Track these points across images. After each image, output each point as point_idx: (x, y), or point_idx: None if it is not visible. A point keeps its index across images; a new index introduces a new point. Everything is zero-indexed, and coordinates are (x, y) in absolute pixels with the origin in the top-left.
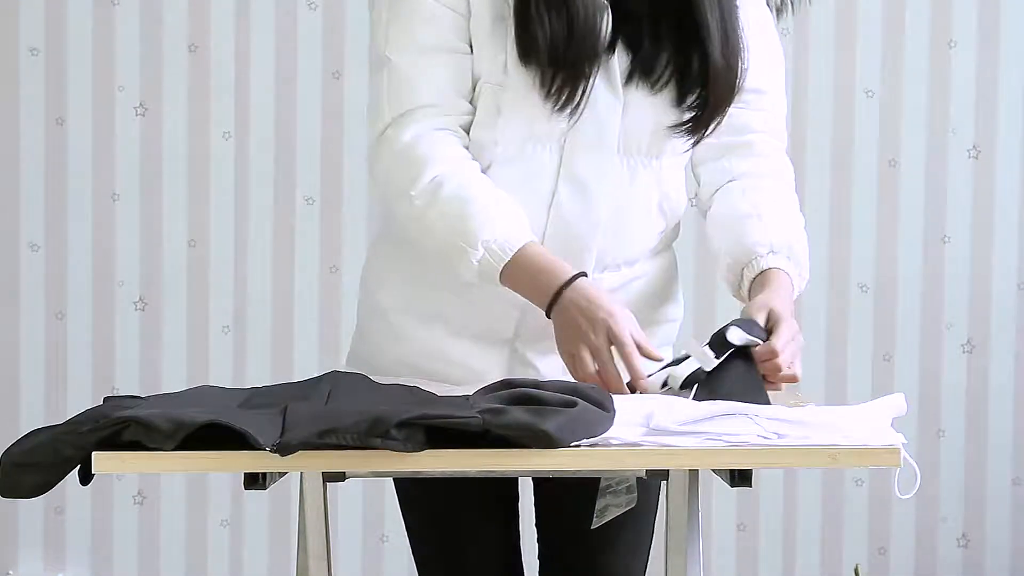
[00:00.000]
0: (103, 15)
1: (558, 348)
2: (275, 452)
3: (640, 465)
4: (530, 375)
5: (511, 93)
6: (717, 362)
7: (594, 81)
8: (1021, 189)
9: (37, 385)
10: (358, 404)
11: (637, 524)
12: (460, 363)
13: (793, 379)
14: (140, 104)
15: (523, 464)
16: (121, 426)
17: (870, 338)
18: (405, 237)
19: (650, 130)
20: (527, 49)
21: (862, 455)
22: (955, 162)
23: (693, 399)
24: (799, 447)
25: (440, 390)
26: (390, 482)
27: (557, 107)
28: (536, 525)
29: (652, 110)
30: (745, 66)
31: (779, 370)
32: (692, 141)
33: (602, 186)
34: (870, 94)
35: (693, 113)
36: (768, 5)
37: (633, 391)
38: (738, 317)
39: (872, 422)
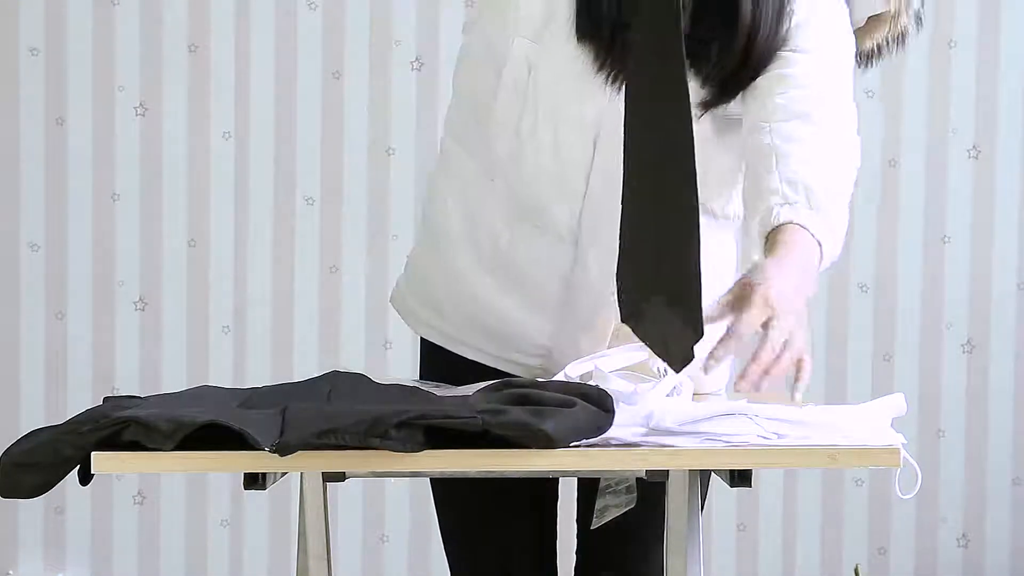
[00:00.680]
0: (103, 15)
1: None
2: (274, 452)
3: (640, 465)
4: (573, 351)
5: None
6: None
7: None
8: (1021, 189)
9: (37, 385)
10: (357, 404)
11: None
12: (509, 319)
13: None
14: (140, 104)
15: (522, 464)
16: (121, 426)
17: (870, 338)
18: None
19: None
20: (591, 24)
21: (862, 455)
22: (955, 162)
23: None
24: (799, 447)
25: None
26: (390, 482)
27: (611, 81)
28: (576, 522)
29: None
30: (767, 31)
31: (755, 375)
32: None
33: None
34: (870, 94)
35: (712, 88)
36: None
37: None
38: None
39: (872, 422)
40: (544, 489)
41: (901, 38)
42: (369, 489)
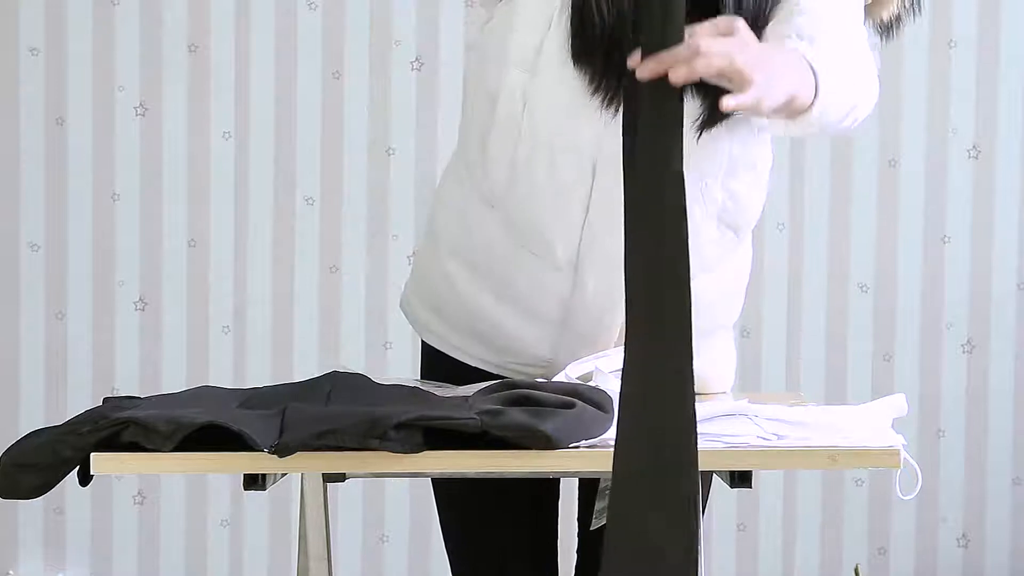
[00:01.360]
0: (103, 15)
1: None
2: (273, 453)
3: None
4: (576, 356)
5: (544, 83)
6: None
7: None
8: (1021, 189)
9: (37, 385)
10: (357, 405)
11: None
12: (508, 333)
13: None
14: (140, 104)
15: (521, 465)
16: (120, 427)
17: (870, 338)
18: None
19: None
20: (585, 45)
21: (862, 456)
22: (955, 162)
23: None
24: (799, 448)
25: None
26: (390, 482)
27: (606, 104)
28: (577, 522)
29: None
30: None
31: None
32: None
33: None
34: None
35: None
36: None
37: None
38: None
39: (872, 423)
40: (544, 490)
41: (917, 2)
42: (369, 489)
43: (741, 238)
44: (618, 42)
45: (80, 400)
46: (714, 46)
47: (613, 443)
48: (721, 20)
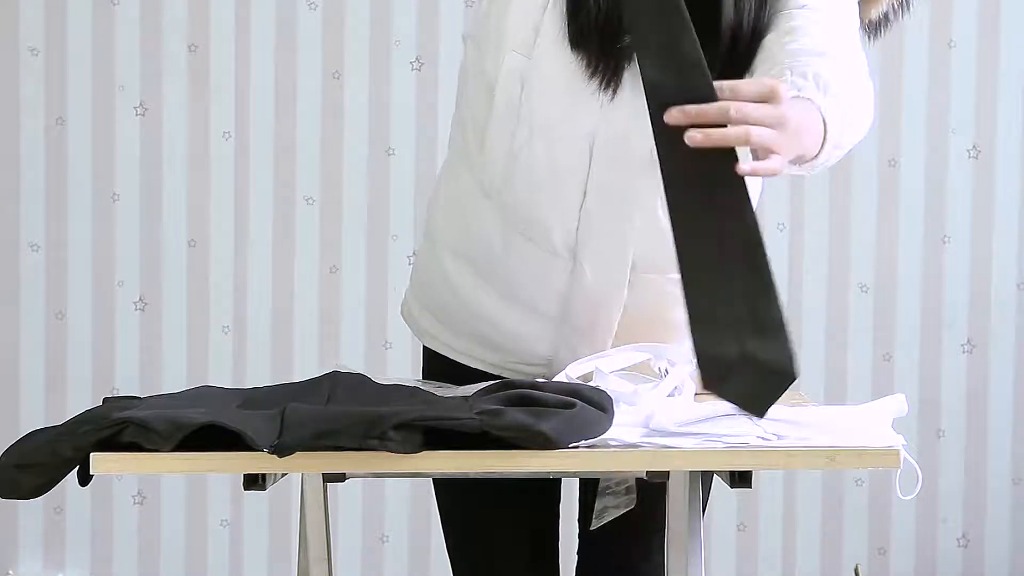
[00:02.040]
0: (103, 15)
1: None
2: (273, 453)
3: (639, 466)
4: (573, 360)
5: (542, 72)
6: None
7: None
8: (1021, 189)
9: (37, 385)
10: (357, 405)
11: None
12: (508, 331)
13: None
14: (140, 104)
15: (521, 465)
16: (119, 427)
17: (870, 338)
18: None
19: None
20: (581, 28)
21: (862, 456)
22: (955, 162)
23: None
24: (798, 448)
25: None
26: (390, 482)
27: (603, 87)
28: (578, 522)
29: None
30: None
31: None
32: None
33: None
34: None
35: None
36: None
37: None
38: None
39: (872, 423)
40: (544, 490)
41: (906, 2)
42: (369, 489)
43: None
44: (614, 26)
45: (80, 400)
46: (753, 114)
47: (613, 444)
48: (766, 84)
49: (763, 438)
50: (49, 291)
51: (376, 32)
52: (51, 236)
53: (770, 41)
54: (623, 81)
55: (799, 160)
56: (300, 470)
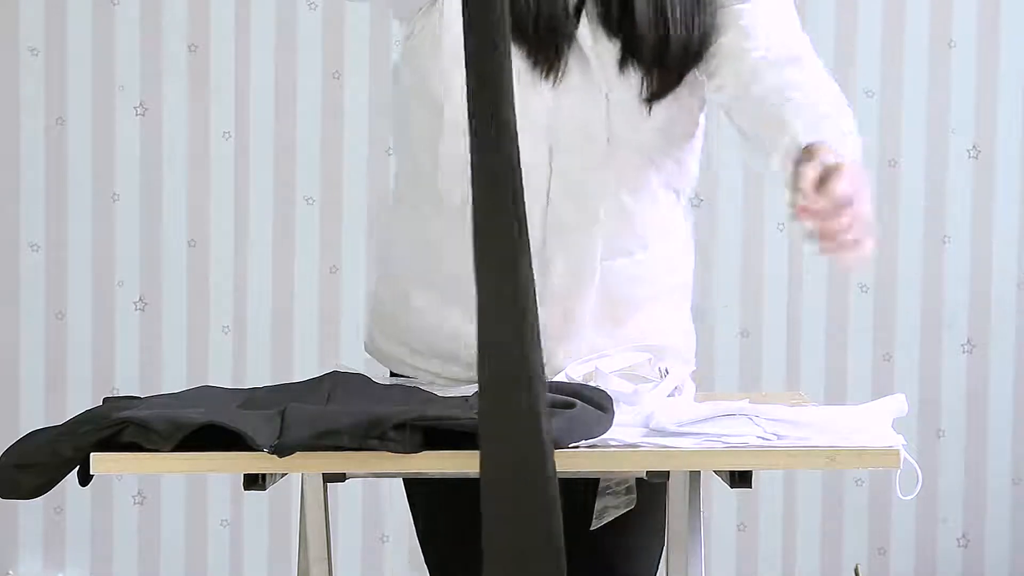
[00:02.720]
0: (103, 15)
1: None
2: (273, 453)
3: (639, 466)
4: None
5: None
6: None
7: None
8: (1021, 189)
9: (37, 385)
10: (357, 405)
11: (645, 525)
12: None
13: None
14: (140, 104)
15: None
16: (119, 427)
17: (870, 338)
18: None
19: (624, 107)
20: (514, 19)
21: (861, 456)
22: (955, 162)
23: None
24: (798, 448)
25: (448, 374)
26: (390, 482)
27: (545, 75)
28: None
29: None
30: (694, 30)
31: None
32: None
33: (594, 182)
34: (870, 94)
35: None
36: None
37: None
38: None
39: (872, 423)
40: None
41: None
42: (369, 489)
43: (681, 201)
44: (546, 11)
45: (80, 400)
46: (862, 212)
47: (613, 444)
48: (829, 170)
49: (763, 438)
50: (49, 291)
51: (376, 32)
52: (51, 236)
53: (728, 45)
54: (569, 65)
55: None
56: (300, 470)
